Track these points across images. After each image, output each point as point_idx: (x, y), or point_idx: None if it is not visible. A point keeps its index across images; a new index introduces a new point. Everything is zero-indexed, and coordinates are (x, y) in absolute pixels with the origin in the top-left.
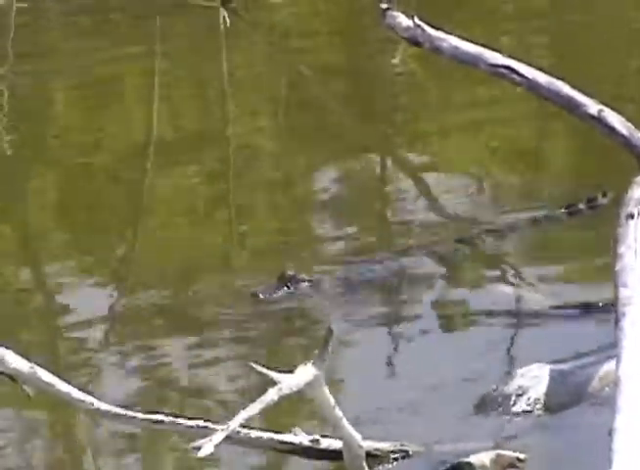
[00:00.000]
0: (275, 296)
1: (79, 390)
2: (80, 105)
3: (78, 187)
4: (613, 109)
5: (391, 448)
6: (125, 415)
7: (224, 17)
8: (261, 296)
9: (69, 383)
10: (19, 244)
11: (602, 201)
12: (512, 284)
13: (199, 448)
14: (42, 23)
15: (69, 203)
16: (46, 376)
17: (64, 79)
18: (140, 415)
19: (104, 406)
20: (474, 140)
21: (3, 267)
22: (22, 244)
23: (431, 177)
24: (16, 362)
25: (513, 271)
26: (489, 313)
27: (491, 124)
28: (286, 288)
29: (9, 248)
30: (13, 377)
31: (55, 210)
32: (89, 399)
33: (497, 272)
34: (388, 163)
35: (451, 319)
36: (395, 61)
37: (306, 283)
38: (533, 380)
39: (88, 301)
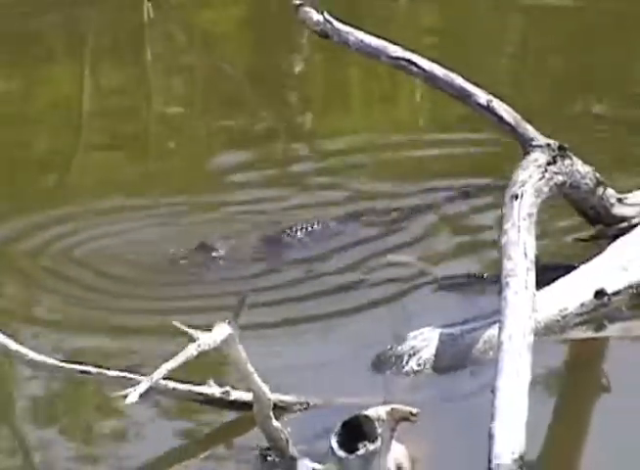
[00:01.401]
0: (191, 261)
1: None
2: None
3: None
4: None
5: (295, 401)
6: (56, 365)
7: (148, 9)
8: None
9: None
10: None
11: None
12: (409, 255)
13: (124, 397)
14: None
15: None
16: None
17: None
18: (71, 366)
19: (37, 357)
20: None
21: None
22: None
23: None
24: None
25: (411, 243)
26: (388, 281)
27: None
28: (204, 255)
29: None
30: None
31: None
32: (24, 350)
33: (397, 244)
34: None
35: (353, 287)
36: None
37: (223, 252)
38: (424, 342)
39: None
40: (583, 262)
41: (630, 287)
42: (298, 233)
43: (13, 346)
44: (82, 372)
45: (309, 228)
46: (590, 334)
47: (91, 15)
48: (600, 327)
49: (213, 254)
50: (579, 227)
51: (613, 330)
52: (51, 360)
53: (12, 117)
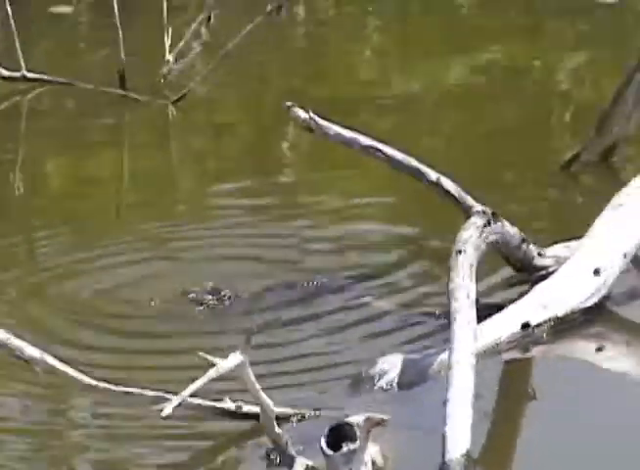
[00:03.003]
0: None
1: (74, 369)
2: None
3: None
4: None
5: (293, 412)
6: (108, 389)
7: (172, 111)
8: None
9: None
10: None
11: None
12: (372, 296)
13: (160, 410)
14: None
15: None
16: (51, 360)
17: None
18: (117, 388)
19: (92, 382)
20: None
21: None
22: None
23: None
24: (30, 351)
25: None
26: (365, 320)
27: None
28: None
29: None
30: (28, 361)
31: None
32: (81, 376)
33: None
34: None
35: (337, 325)
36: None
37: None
38: (391, 365)
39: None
40: (512, 302)
41: (549, 320)
42: (311, 285)
43: (73, 372)
44: (126, 393)
45: (319, 283)
46: (519, 355)
47: (126, 114)
48: (526, 350)
49: (225, 297)
50: (509, 275)
51: (536, 352)
52: (103, 384)
53: (71, 185)
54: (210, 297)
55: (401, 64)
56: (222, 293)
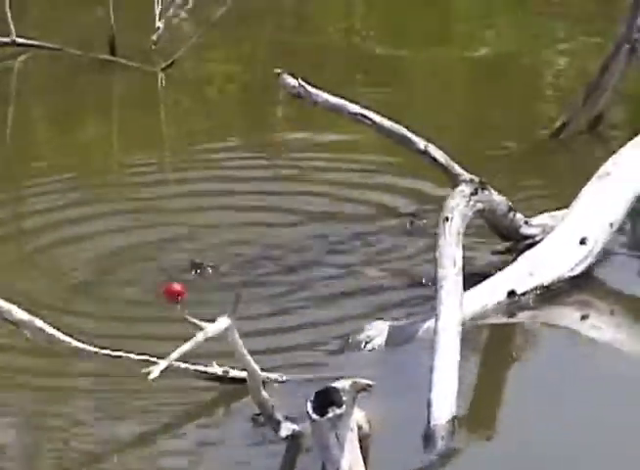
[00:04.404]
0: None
1: (61, 332)
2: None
3: None
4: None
5: (277, 377)
6: (97, 353)
7: (161, 78)
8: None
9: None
10: None
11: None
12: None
13: (148, 374)
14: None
15: None
16: (40, 324)
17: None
18: (103, 352)
19: (81, 345)
20: None
21: None
22: None
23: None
24: (19, 314)
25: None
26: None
27: None
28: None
29: None
30: (16, 324)
31: None
32: (69, 339)
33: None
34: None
35: (326, 292)
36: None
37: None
38: (378, 331)
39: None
40: (499, 270)
41: (535, 288)
42: (296, 254)
43: (61, 336)
44: (115, 357)
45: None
46: (505, 321)
47: (115, 78)
48: (512, 315)
49: (206, 270)
50: (495, 244)
51: (522, 317)
52: (90, 347)
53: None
54: (192, 271)
55: (394, 34)
56: (204, 265)
